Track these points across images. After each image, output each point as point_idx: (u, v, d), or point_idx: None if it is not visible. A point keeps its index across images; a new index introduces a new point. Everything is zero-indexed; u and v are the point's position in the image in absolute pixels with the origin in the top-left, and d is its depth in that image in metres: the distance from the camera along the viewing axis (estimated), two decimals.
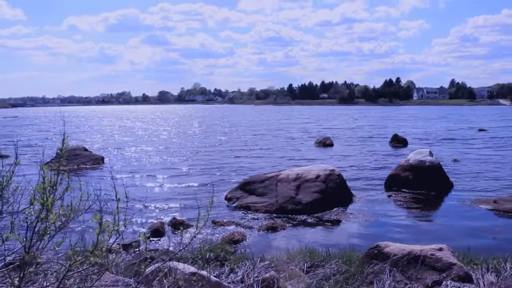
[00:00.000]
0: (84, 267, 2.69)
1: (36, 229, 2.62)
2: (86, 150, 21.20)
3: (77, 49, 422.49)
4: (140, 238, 8.24)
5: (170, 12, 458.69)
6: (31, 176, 3.33)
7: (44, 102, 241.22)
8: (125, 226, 2.82)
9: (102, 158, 20.39)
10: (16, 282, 2.59)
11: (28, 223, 2.65)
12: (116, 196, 2.84)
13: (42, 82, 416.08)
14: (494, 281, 5.87)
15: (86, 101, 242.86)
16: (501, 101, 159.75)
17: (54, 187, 2.63)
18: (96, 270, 2.76)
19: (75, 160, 18.87)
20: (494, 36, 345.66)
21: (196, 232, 3.19)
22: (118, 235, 2.74)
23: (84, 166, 18.59)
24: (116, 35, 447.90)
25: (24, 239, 2.63)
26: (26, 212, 2.65)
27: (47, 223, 2.60)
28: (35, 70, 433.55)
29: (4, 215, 2.89)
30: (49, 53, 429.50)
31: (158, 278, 3.60)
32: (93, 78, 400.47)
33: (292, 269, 6.28)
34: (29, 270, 2.62)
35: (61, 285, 2.62)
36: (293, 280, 5.86)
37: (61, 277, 2.63)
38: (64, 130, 2.87)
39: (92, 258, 2.55)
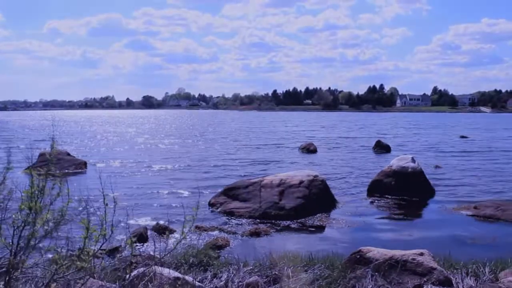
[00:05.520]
0: (70, 272, 2.70)
1: (23, 234, 2.62)
2: (69, 154, 21.01)
3: (59, 52, 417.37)
4: (124, 243, 8.24)
5: (154, 16, 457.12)
6: (14, 180, 3.34)
7: (26, 106, 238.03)
8: (112, 231, 2.84)
9: (85, 163, 20.24)
10: (2, 286, 2.59)
11: (15, 228, 2.66)
12: (104, 202, 2.86)
13: (23, 86, 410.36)
14: (473, 285, 5.99)
15: (69, 105, 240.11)
16: (482, 108, 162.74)
17: (42, 192, 2.64)
18: (82, 275, 2.77)
19: (58, 164, 18.54)
20: (474, 44, 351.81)
21: (181, 238, 3.20)
22: (105, 240, 2.76)
23: (67, 170, 18.41)
24: (99, 39, 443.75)
25: (11, 244, 2.64)
26: (13, 216, 2.66)
27: (34, 228, 2.61)
28: (16, 74, 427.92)
29: None
30: (30, 56, 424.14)
31: (143, 282, 3.61)
32: (76, 82, 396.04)
33: (275, 274, 6.32)
34: (14, 274, 2.62)
35: None
36: (276, 285, 5.90)
37: (46, 282, 2.64)
38: (53, 135, 2.88)
39: (78, 263, 2.57)
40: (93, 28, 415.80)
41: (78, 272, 2.72)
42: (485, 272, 6.45)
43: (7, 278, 2.53)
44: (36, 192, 2.58)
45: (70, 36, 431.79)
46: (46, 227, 2.64)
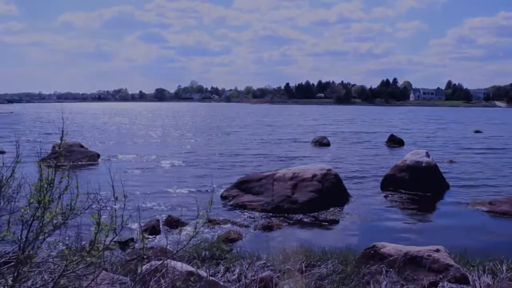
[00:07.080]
0: (80, 267, 2.65)
1: (32, 227, 2.58)
2: (82, 146, 21.09)
3: (73, 45, 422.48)
4: (136, 235, 8.21)
5: (166, 9, 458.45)
6: (26, 173, 3.31)
7: (40, 98, 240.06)
8: (122, 226, 2.78)
9: (98, 155, 20.32)
10: (10, 282, 2.55)
11: (24, 221, 2.61)
12: (113, 195, 2.80)
13: (38, 78, 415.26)
14: (490, 283, 5.87)
15: (83, 98, 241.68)
16: (497, 103, 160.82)
17: (52, 185, 2.58)
18: (92, 270, 2.72)
19: (71, 156, 18.76)
20: (490, 38, 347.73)
21: (194, 232, 3.14)
22: (115, 234, 2.70)
23: (80, 162, 18.50)
24: (112, 32, 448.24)
25: (19, 238, 2.59)
26: (22, 210, 2.61)
27: (43, 222, 2.56)
28: (31, 66, 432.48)
29: (2, 214, 2.85)
30: (45, 49, 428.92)
31: (155, 278, 3.55)
32: (89, 75, 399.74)
33: (288, 268, 6.26)
34: (23, 269, 2.57)
35: (56, 285, 2.58)
36: (289, 280, 5.83)
37: (56, 277, 2.59)
38: (63, 127, 2.82)
39: (88, 258, 2.52)
40: (106, 21, 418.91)
41: (88, 267, 2.67)
42: (503, 269, 6.32)
43: (16, 273, 2.48)
44: (45, 185, 2.53)
45: (83, 28, 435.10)
46: (55, 221, 2.59)
